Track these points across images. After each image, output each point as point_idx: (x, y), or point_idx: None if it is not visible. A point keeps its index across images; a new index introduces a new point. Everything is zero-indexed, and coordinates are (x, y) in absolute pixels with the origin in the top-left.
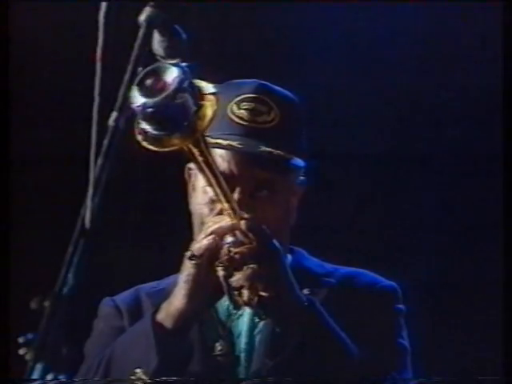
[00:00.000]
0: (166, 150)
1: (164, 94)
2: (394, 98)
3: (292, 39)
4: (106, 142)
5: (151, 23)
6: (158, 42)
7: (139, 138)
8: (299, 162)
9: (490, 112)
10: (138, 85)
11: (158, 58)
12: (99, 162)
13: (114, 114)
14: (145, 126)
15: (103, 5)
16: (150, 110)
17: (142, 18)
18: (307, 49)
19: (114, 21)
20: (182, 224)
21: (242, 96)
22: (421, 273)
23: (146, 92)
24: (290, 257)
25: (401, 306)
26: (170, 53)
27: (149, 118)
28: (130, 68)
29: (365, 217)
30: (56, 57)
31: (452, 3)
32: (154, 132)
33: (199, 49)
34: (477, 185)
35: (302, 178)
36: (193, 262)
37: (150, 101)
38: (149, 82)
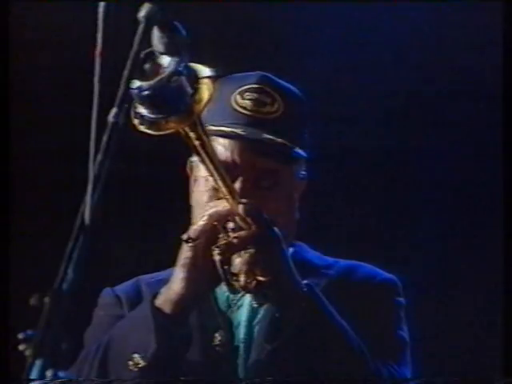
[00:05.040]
0: (163, 133)
1: (159, 77)
2: (394, 97)
3: (292, 36)
4: (105, 138)
5: (151, 19)
6: (157, 39)
7: (136, 122)
8: (302, 152)
9: (490, 110)
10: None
11: (158, 54)
12: (99, 158)
13: (114, 110)
14: (141, 109)
15: (102, 1)
16: (145, 92)
17: (142, 14)
18: (307, 45)
19: (114, 17)
20: (182, 220)
21: (246, 86)
22: (421, 268)
23: (142, 75)
24: (290, 249)
25: (401, 298)
26: (170, 49)
27: (145, 101)
28: (129, 64)
29: (365, 211)
30: (56, 52)
31: (452, 3)
32: (151, 115)
33: (199, 45)
34: (477, 181)
35: (303, 172)
36: (189, 244)
37: (146, 84)
38: (145, 65)
